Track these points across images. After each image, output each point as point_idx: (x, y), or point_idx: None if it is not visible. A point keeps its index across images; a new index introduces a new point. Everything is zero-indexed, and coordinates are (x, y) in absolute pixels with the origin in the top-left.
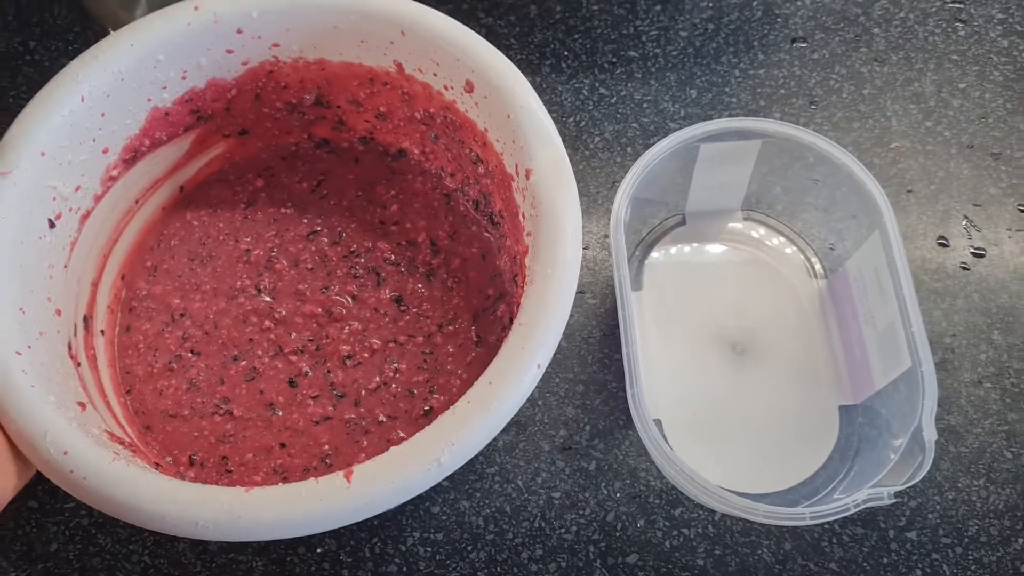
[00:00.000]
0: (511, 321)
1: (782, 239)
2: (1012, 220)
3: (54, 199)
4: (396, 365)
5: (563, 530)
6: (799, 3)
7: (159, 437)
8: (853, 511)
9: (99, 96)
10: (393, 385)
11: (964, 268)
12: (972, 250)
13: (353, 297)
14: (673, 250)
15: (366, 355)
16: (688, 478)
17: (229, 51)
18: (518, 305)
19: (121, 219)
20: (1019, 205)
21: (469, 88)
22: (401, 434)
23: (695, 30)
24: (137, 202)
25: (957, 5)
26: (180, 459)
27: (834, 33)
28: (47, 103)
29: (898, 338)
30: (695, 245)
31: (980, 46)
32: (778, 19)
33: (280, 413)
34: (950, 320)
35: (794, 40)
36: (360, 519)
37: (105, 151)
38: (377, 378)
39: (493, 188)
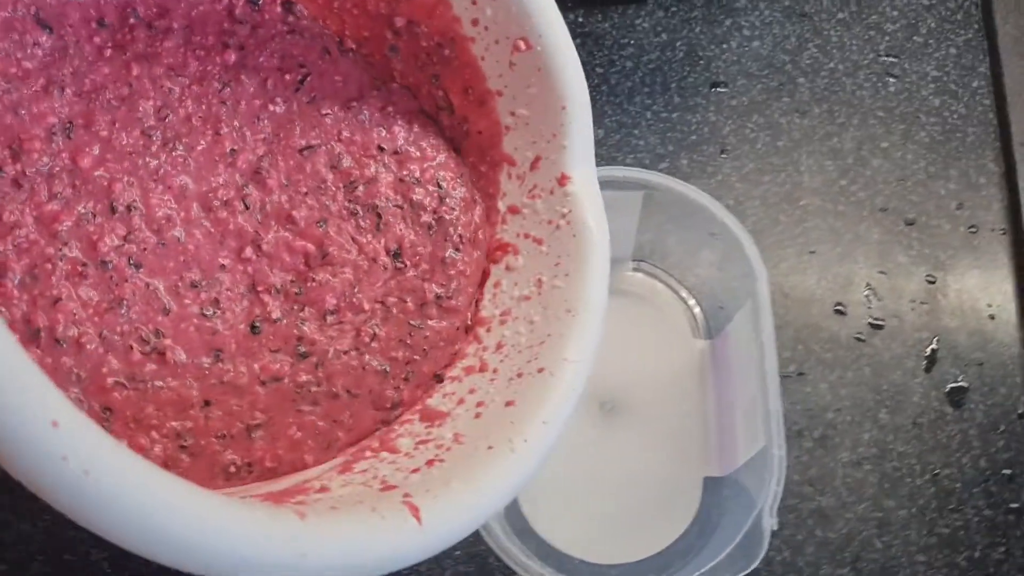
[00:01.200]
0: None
1: (671, 294)
2: (917, 291)
3: None
4: (377, 332)
5: None
6: (725, 46)
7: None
8: None
9: None
10: (366, 355)
11: (859, 339)
12: (870, 320)
13: (352, 239)
14: None
15: (349, 314)
16: (502, 548)
17: None
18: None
19: None
20: (928, 276)
21: (518, 46)
22: (349, 419)
23: (612, 66)
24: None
25: (890, 59)
26: None
27: (757, 80)
28: None
29: (757, 413)
30: None
31: (909, 103)
32: (700, 61)
33: (224, 364)
34: (836, 394)
35: (714, 85)
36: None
37: None
38: (349, 341)
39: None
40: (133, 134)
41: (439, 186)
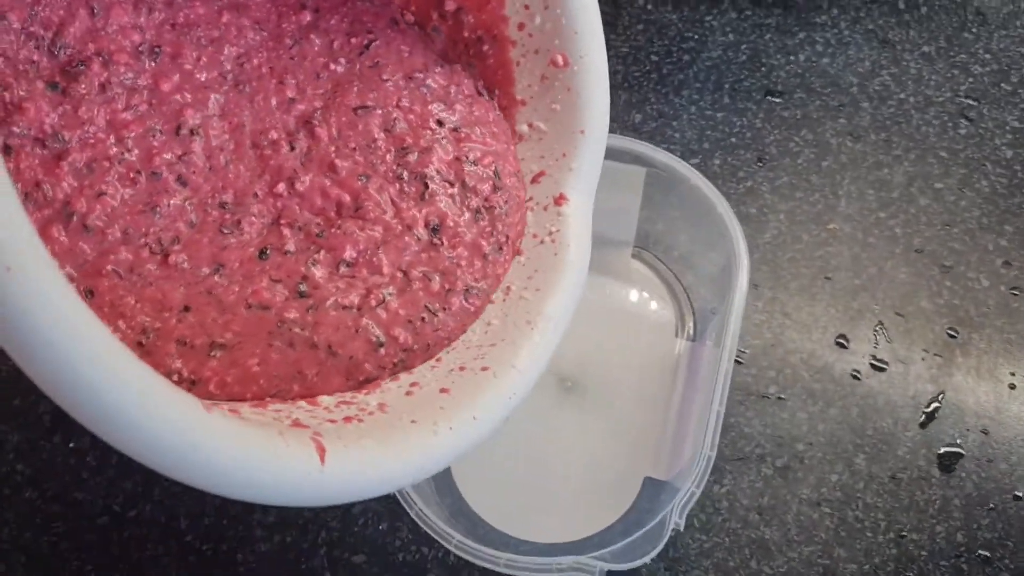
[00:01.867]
0: None
1: (664, 288)
2: (934, 342)
3: None
4: (388, 300)
5: (304, 508)
6: (792, 58)
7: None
8: (556, 575)
9: None
10: (366, 319)
11: (855, 377)
12: (873, 360)
13: (392, 202)
14: None
15: (365, 271)
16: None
17: None
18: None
19: None
20: (951, 329)
21: (555, 61)
22: (313, 376)
23: (668, 56)
24: None
25: (969, 101)
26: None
27: (816, 96)
28: None
29: (701, 423)
30: None
31: (978, 149)
32: (762, 68)
33: (219, 277)
34: (813, 427)
35: (769, 93)
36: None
37: None
38: (355, 298)
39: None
40: (212, 73)
41: (496, 175)
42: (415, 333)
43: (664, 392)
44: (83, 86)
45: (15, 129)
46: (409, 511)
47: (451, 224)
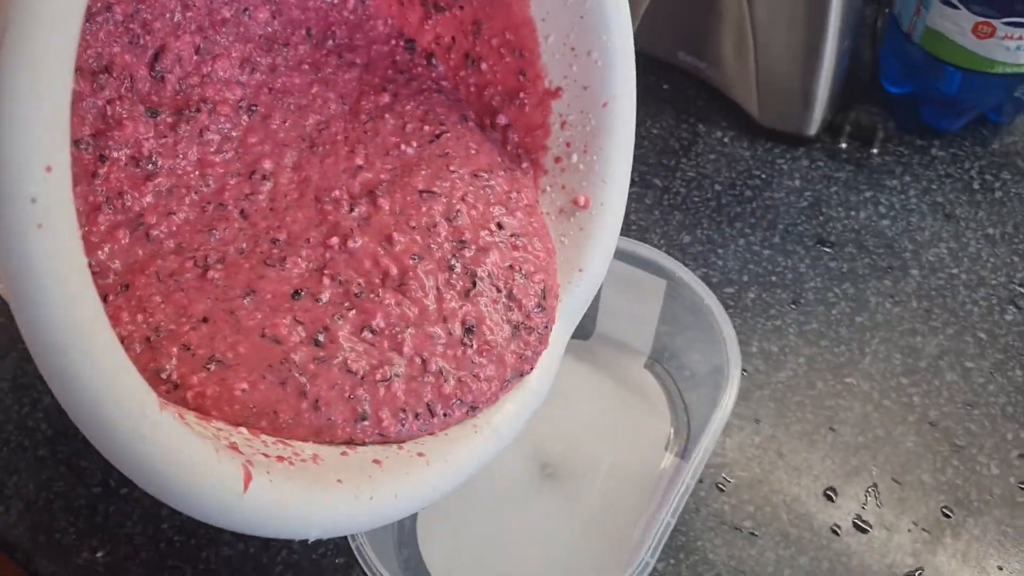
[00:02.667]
0: None
1: (667, 403)
2: (925, 516)
3: None
4: (394, 381)
5: None
6: (852, 213)
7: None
8: None
9: None
10: (363, 389)
11: (834, 531)
12: (857, 519)
13: (436, 288)
14: None
15: (386, 344)
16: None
17: None
18: None
19: None
20: (946, 508)
21: (578, 202)
22: (288, 420)
23: (732, 188)
24: None
25: (1023, 290)
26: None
27: (868, 254)
28: None
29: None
30: (579, 362)
31: (1020, 339)
32: (819, 217)
33: (247, 301)
34: (779, 570)
35: (821, 242)
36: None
37: None
38: (364, 366)
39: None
40: (292, 134)
41: (543, 295)
42: (400, 425)
43: (640, 501)
44: (188, 127)
45: (111, 143)
46: (361, 562)
47: (486, 331)
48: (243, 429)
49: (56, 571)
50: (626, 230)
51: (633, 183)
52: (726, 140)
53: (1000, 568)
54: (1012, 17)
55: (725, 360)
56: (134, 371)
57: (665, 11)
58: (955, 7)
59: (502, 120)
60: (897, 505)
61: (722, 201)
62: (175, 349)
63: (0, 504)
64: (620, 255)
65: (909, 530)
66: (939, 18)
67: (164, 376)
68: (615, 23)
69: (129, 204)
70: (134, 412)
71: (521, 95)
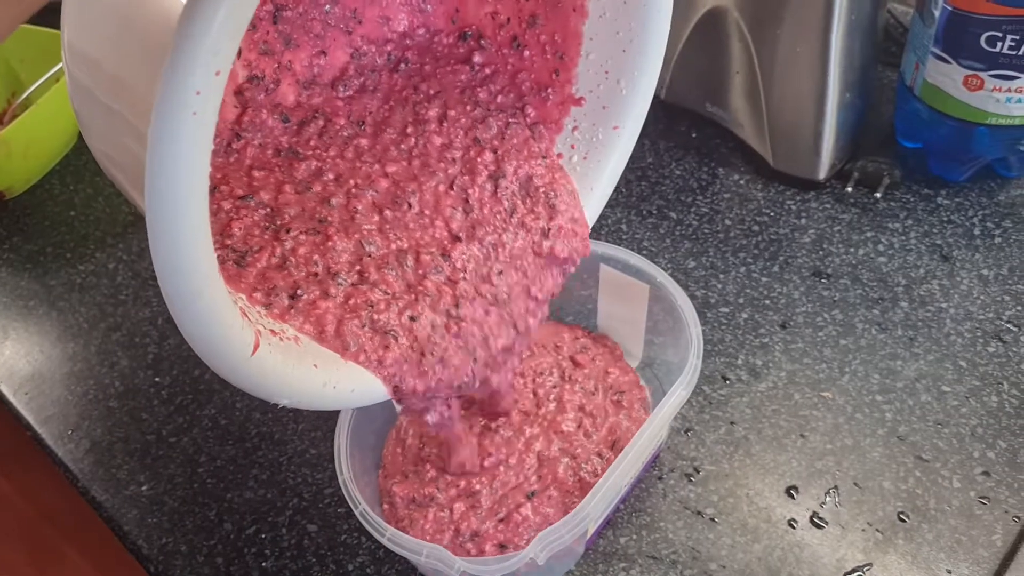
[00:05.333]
0: None
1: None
2: (881, 519)
3: None
4: (427, 327)
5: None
6: (851, 250)
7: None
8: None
9: None
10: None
11: (791, 524)
12: (814, 516)
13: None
14: None
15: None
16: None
17: None
18: None
19: None
20: (902, 512)
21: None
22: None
23: (740, 224)
24: None
25: (1010, 326)
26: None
27: (860, 286)
28: None
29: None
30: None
31: (1000, 369)
32: (819, 252)
33: (343, 282)
34: (732, 554)
35: (816, 274)
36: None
37: None
38: (437, 317)
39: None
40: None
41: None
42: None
43: None
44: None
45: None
46: (339, 476)
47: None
48: (242, 295)
49: (108, 499)
50: (635, 252)
51: (650, 215)
52: (742, 182)
53: (949, 572)
54: (997, 70)
55: (689, 345)
56: (209, 239)
57: (691, 64)
58: (947, 61)
59: (531, 113)
60: (855, 507)
61: (730, 234)
62: (302, 277)
63: (72, 442)
64: (609, 261)
65: (863, 530)
66: (935, 72)
67: (289, 298)
68: (650, 66)
69: (328, 177)
70: (203, 271)
71: (549, 90)
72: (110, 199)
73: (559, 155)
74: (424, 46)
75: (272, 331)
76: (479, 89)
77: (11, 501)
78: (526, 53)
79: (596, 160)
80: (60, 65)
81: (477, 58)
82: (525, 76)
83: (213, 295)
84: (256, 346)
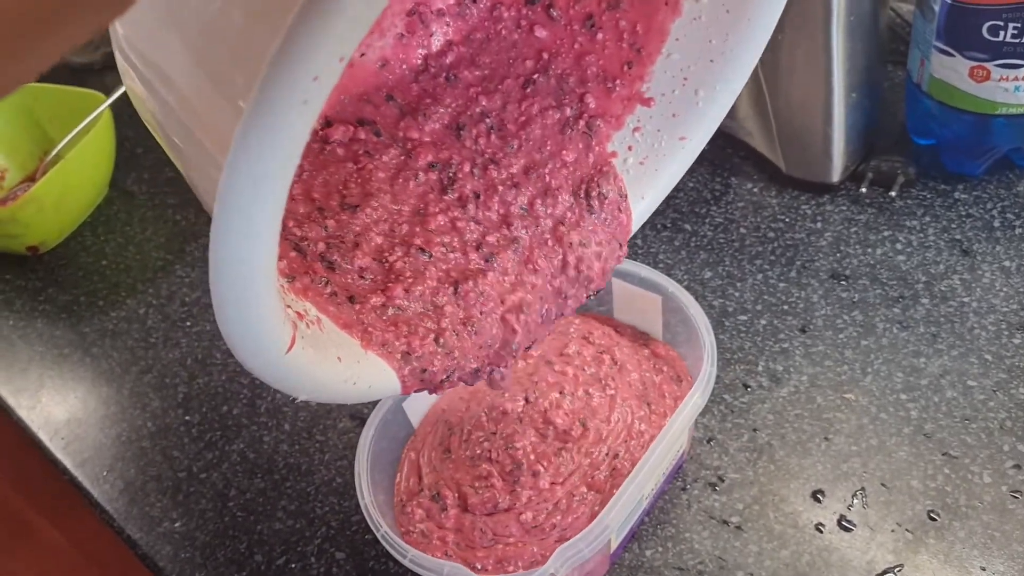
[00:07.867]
0: None
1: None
2: (911, 519)
3: None
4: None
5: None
6: (869, 251)
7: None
8: None
9: None
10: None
11: (818, 529)
12: (842, 519)
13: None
14: None
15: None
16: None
17: None
18: None
19: None
20: (932, 511)
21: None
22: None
23: (756, 231)
24: None
25: None
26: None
27: (880, 286)
28: None
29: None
30: None
31: None
32: (836, 254)
33: (405, 303)
34: (760, 561)
35: (835, 276)
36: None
37: None
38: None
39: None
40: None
41: None
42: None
43: None
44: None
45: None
46: (360, 500)
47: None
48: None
49: (142, 536)
50: (652, 267)
51: (664, 228)
52: (755, 190)
53: (983, 569)
54: (1002, 59)
55: (704, 352)
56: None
57: None
58: (951, 55)
59: (591, 104)
60: (883, 507)
61: (746, 242)
62: (349, 278)
63: (107, 483)
64: (620, 274)
65: (892, 530)
66: (940, 67)
67: (333, 292)
68: (736, 83)
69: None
70: (255, 265)
71: (616, 82)
72: (140, 246)
73: (613, 154)
74: (484, 19)
75: (299, 313)
76: (539, 78)
77: (58, 546)
78: (599, 36)
79: (653, 168)
80: (88, 120)
81: (541, 32)
82: (592, 60)
83: (269, 294)
84: (292, 342)
